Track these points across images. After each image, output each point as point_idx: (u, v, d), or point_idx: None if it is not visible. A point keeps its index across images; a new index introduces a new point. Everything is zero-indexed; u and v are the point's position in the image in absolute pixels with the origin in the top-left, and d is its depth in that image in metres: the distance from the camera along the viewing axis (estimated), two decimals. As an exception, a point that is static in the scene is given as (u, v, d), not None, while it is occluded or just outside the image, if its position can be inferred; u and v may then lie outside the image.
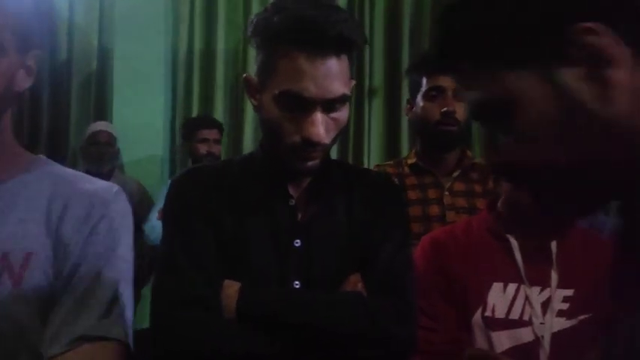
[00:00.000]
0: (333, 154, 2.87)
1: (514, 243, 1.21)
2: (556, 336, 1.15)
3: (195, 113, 2.93)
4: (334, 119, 0.95)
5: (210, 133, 2.68)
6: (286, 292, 0.99)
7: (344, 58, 0.94)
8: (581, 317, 1.16)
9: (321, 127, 0.93)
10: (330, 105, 0.93)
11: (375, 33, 2.87)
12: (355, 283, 1.01)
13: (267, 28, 0.93)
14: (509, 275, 1.20)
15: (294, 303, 0.97)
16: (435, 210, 1.81)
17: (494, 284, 1.21)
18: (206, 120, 2.79)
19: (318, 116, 0.93)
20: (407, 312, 1.00)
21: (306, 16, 0.89)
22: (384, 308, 0.98)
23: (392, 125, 2.78)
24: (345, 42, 0.92)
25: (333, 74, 0.92)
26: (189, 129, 2.74)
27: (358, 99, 2.84)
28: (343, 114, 0.97)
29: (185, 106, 2.97)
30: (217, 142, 2.71)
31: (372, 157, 2.80)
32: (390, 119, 2.79)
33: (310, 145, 0.93)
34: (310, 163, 0.97)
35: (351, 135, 2.84)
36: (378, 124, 2.82)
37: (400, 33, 2.85)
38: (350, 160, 2.80)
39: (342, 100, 0.94)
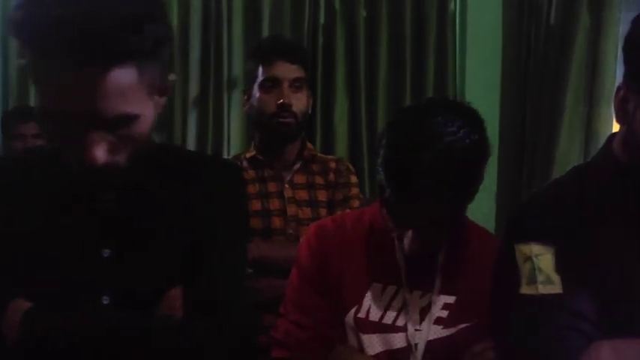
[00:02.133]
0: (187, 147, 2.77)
1: (399, 243, 1.16)
2: (432, 344, 1.12)
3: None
4: None
5: (27, 128, 2.37)
6: (80, 317, 0.86)
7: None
8: (460, 326, 1.14)
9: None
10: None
11: (234, 22, 2.81)
12: (174, 299, 0.91)
13: None
14: (390, 277, 1.16)
15: (87, 333, 0.84)
16: (275, 204, 1.79)
17: (374, 284, 1.16)
18: (21, 112, 2.41)
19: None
20: (230, 336, 0.90)
21: None
22: (201, 336, 0.87)
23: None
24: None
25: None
26: (5, 123, 2.43)
27: (217, 90, 2.78)
28: None
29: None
30: (37, 136, 2.37)
31: (233, 150, 2.75)
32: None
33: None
34: None
35: (210, 127, 2.78)
36: (238, 116, 2.77)
37: (260, 23, 2.81)
38: (209, 152, 2.74)
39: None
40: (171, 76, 0.92)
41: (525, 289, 0.92)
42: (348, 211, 1.70)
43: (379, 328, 1.13)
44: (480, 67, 2.91)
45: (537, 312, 0.91)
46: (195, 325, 0.88)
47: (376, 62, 2.86)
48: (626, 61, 0.89)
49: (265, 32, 2.79)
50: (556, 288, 0.90)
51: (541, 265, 0.92)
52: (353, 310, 1.15)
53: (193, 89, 2.80)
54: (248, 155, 1.83)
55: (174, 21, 2.78)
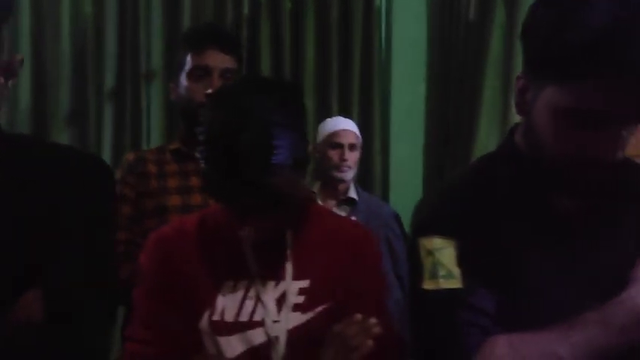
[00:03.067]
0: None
1: (245, 236, 1.11)
2: (292, 332, 1.08)
3: None
4: None
5: None
6: None
7: None
8: (318, 309, 1.10)
9: None
10: None
11: (153, 13, 2.71)
12: (30, 303, 0.84)
13: None
14: (241, 272, 1.11)
15: None
16: (197, 199, 1.70)
17: (225, 283, 1.11)
18: None
19: None
20: (83, 346, 0.86)
21: None
22: (52, 347, 0.82)
23: (173, 108, 2.65)
24: None
25: None
26: None
27: (134, 81, 2.67)
28: None
29: None
30: None
31: (153, 143, 2.65)
32: (170, 102, 2.66)
33: None
34: None
35: (127, 120, 2.67)
36: (157, 108, 2.67)
37: (180, 14, 2.72)
38: (128, 147, 2.63)
39: None
40: (19, 56, 0.84)
41: (427, 284, 0.90)
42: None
43: (236, 327, 1.08)
44: (405, 61, 2.93)
45: (438, 307, 0.89)
46: (49, 331, 0.82)
47: (302, 56, 2.82)
48: (524, 50, 0.88)
49: (186, 23, 2.70)
50: (457, 282, 0.88)
51: (442, 260, 0.89)
52: (206, 315, 1.08)
53: (109, 81, 2.68)
54: (172, 147, 1.74)
55: (89, 10, 2.65)
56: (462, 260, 0.89)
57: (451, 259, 0.89)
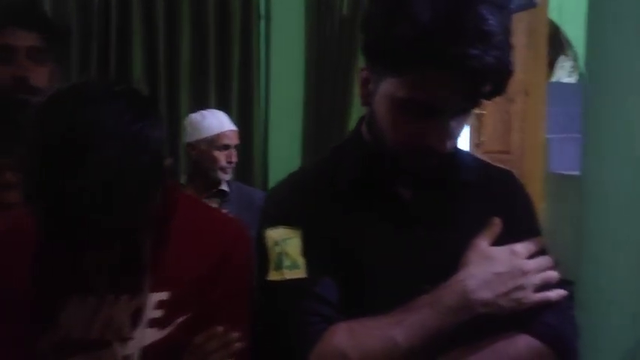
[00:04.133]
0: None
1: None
2: (148, 350, 0.97)
3: None
4: None
5: None
6: None
7: None
8: (179, 320, 0.98)
9: None
10: None
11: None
12: None
13: None
14: (91, 285, 0.96)
15: None
16: (15, 196, 1.51)
17: (73, 298, 0.97)
18: None
19: None
20: None
21: None
22: None
23: None
24: None
25: None
26: None
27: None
28: None
29: None
30: None
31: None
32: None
33: None
34: None
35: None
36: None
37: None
38: None
39: None
40: None
41: (272, 275, 0.90)
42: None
43: (84, 346, 0.96)
44: (284, 54, 2.93)
45: (283, 298, 0.89)
46: None
47: (177, 44, 2.74)
48: (362, 43, 0.90)
49: (49, 7, 2.53)
50: (301, 272, 0.88)
51: (288, 250, 0.89)
52: (49, 333, 0.95)
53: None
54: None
55: None
56: (306, 250, 0.89)
57: (296, 249, 0.90)
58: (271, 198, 1.01)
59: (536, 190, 2.95)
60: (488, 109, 2.91)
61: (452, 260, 0.89)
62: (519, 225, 0.94)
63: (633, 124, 1.18)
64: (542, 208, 2.76)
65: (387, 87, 0.87)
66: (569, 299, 0.92)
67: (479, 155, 1.10)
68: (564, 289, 0.92)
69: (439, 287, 0.86)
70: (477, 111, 2.07)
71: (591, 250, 1.24)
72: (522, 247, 0.90)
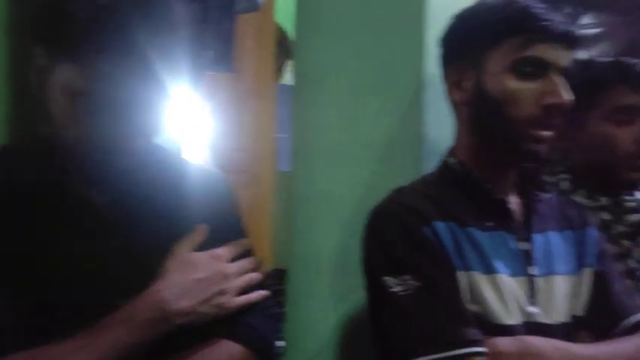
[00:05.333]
0: None
1: None
2: None
3: None
4: None
5: None
6: None
7: None
8: None
9: None
10: None
11: None
12: None
13: None
14: None
15: None
16: None
17: None
18: None
19: None
20: None
21: None
22: None
23: None
24: None
25: None
26: None
27: None
28: None
29: None
30: None
31: None
32: None
33: None
34: None
35: None
36: None
37: None
38: None
39: None
40: None
41: None
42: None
43: None
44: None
45: None
46: None
47: None
48: None
49: None
50: None
51: None
52: None
53: None
54: None
55: None
56: None
57: None
58: None
59: (268, 189, 3.05)
60: (222, 110, 2.92)
61: (153, 268, 0.83)
62: (223, 227, 0.92)
63: (333, 128, 1.26)
64: (272, 206, 2.87)
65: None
66: (272, 298, 0.93)
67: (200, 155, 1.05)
68: (270, 287, 0.93)
69: (135, 300, 0.79)
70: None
71: (299, 245, 1.31)
72: (225, 251, 0.88)
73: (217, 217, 0.91)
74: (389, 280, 0.92)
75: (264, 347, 0.87)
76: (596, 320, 1.00)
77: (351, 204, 1.22)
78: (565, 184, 1.29)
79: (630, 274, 1.20)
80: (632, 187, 1.26)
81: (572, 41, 0.95)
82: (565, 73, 0.94)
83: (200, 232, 0.87)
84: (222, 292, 0.84)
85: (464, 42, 1.00)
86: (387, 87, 1.22)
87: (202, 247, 0.87)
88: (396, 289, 0.92)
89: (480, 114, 0.98)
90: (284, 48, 3.07)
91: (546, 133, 0.94)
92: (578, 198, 1.25)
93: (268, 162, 3.19)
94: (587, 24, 2.93)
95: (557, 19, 0.93)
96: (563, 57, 0.94)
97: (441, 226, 0.95)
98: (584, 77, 1.14)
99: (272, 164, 3.23)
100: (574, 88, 0.95)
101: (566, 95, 0.93)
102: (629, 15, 2.81)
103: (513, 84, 0.94)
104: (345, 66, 1.27)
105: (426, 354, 0.88)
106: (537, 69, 0.93)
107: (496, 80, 0.95)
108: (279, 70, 3.39)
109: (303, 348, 1.26)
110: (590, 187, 1.25)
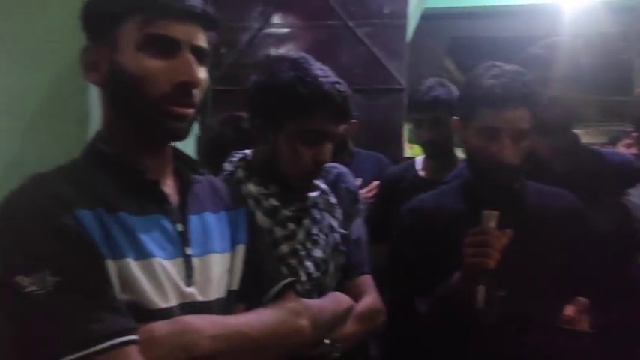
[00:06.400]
0: None
1: None
2: None
3: None
4: None
5: None
6: None
7: None
8: None
9: None
10: None
11: None
12: None
13: None
14: None
15: None
16: None
17: None
18: None
19: None
20: None
21: None
22: None
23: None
24: None
25: None
26: None
27: None
28: None
29: None
30: None
31: None
32: None
33: None
34: None
35: None
36: None
37: None
38: None
39: None
40: None
41: None
42: None
43: None
44: None
45: None
46: None
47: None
48: None
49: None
50: None
51: None
52: None
53: None
54: None
55: None
56: None
57: None
58: None
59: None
60: None
61: None
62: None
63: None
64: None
65: None
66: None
67: None
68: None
69: None
70: None
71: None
72: None
73: None
74: (22, 279, 0.81)
75: None
76: (249, 292, 1.04)
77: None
78: (240, 173, 1.35)
79: (294, 253, 1.29)
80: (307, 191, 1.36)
81: (203, 20, 0.95)
82: (200, 51, 0.95)
83: None
84: None
85: (95, 21, 0.96)
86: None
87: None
88: (31, 288, 0.81)
89: (116, 94, 0.95)
90: None
91: (184, 110, 0.94)
92: (252, 186, 1.30)
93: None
94: (276, 24, 3.14)
95: None
96: (195, 35, 0.94)
97: (85, 214, 0.88)
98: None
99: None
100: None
101: (197, 73, 0.94)
102: (313, 20, 3.09)
103: (145, 62, 0.92)
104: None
105: (70, 353, 0.80)
106: (168, 47, 0.93)
107: (128, 59, 0.92)
108: None
109: None
110: (263, 178, 1.32)
